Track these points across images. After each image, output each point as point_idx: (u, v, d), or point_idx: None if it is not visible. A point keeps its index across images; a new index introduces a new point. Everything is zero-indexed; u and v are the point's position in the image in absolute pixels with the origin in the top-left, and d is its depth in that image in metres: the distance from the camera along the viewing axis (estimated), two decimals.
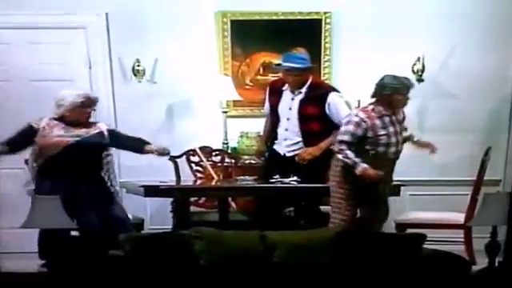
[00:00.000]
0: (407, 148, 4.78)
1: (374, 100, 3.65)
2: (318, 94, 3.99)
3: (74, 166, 3.59)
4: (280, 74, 4.27)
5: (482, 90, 4.76)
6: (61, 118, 3.65)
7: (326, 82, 4.86)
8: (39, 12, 4.63)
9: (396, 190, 3.83)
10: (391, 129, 3.62)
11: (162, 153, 3.79)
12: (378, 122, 3.57)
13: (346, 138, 3.55)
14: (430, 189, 4.75)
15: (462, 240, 4.05)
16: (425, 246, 3.37)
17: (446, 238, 3.95)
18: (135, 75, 4.78)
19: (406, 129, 3.82)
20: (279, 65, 4.09)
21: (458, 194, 4.45)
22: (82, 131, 3.66)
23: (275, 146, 4.14)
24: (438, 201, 4.59)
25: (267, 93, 4.25)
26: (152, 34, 4.77)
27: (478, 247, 3.69)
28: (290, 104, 4.05)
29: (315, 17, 4.83)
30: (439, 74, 4.80)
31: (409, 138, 3.88)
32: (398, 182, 3.90)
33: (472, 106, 4.80)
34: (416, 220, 4.17)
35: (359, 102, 4.65)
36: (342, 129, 3.58)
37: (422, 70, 4.69)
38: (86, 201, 3.57)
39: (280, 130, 4.10)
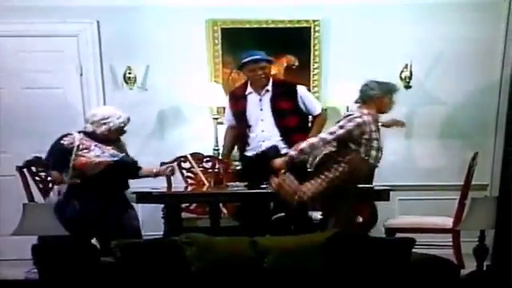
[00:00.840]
0: (396, 153, 4.87)
1: (360, 104, 3.67)
2: (286, 90, 4.08)
3: (110, 184, 3.66)
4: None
5: (469, 96, 4.82)
6: (92, 134, 3.67)
7: (315, 88, 4.92)
8: (31, 20, 4.65)
9: (384, 195, 3.86)
10: (378, 134, 3.67)
11: (163, 173, 3.91)
12: (373, 126, 3.62)
13: (341, 132, 3.52)
14: (418, 193, 4.81)
15: (451, 244, 4.09)
16: (414, 250, 3.41)
17: (434, 242, 3.99)
18: (126, 82, 4.80)
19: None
20: (243, 64, 4.11)
21: (446, 199, 4.51)
22: (116, 149, 3.74)
23: (249, 153, 4.15)
24: (426, 205, 4.64)
25: (227, 102, 4.29)
26: (143, 42, 4.81)
27: (467, 251, 3.73)
28: (259, 105, 4.09)
29: (304, 25, 4.89)
30: (426, 81, 4.86)
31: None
32: (387, 187, 3.94)
33: (459, 112, 4.87)
34: (405, 224, 4.21)
35: (348, 108, 4.70)
36: (341, 123, 3.54)
37: (410, 77, 4.76)
38: (115, 218, 3.65)
39: (254, 135, 4.11)
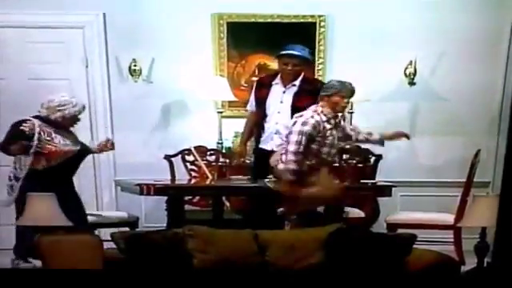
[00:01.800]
0: (399, 149, 4.88)
1: (319, 102, 3.68)
2: (312, 88, 4.01)
3: (72, 170, 3.75)
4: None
5: (472, 93, 4.83)
6: (48, 120, 3.69)
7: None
8: (37, 11, 4.67)
9: (387, 191, 3.87)
10: (334, 131, 3.67)
11: (106, 148, 3.93)
12: (326, 125, 3.63)
13: (302, 138, 3.53)
14: (420, 190, 4.82)
15: (452, 241, 4.10)
16: (415, 246, 3.43)
17: (435, 238, 4.01)
18: (132, 75, 4.82)
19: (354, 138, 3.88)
20: (280, 55, 4.06)
21: (448, 196, 4.52)
22: (71, 136, 3.78)
23: (262, 145, 4.13)
24: (428, 202, 4.65)
25: (254, 88, 4.24)
26: (149, 35, 4.82)
27: (468, 248, 3.74)
28: (281, 97, 4.05)
29: (310, 20, 4.89)
30: (430, 78, 4.87)
31: (382, 140, 3.90)
32: (390, 183, 3.96)
33: (462, 109, 4.87)
34: (407, 220, 4.21)
35: (352, 103, 4.71)
36: (298, 128, 3.54)
37: (414, 74, 4.76)
38: (71, 201, 3.67)
39: (268, 125, 4.08)
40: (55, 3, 4.69)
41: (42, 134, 3.63)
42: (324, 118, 3.62)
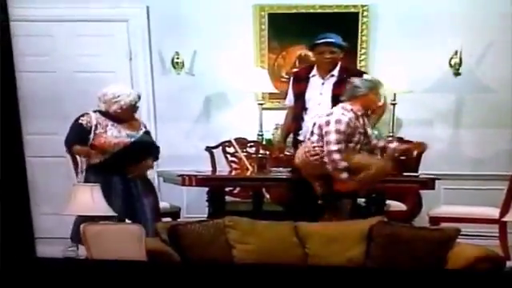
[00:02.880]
0: (443, 141, 4.79)
1: (345, 101, 3.64)
2: (352, 76, 3.95)
3: (130, 163, 3.73)
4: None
5: None
6: (106, 113, 3.75)
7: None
8: (83, 5, 4.77)
9: (430, 184, 3.81)
10: (362, 130, 3.63)
11: None
12: (357, 123, 3.60)
13: (341, 137, 3.53)
14: (464, 183, 4.72)
15: (497, 235, 4.01)
16: (458, 240, 3.37)
17: (480, 232, 3.93)
18: (174, 67, 4.88)
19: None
20: (315, 45, 3.99)
21: (493, 189, 4.39)
22: (131, 128, 3.79)
23: (301, 138, 4.05)
24: (472, 195, 4.55)
25: (291, 83, 4.18)
26: (191, 27, 4.86)
27: None
28: (320, 89, 3.98)
29: (352, 10, 4.84)
30: (476, 68, 4.74)
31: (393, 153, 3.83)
32: (433, 176, 3.89)
33: (509, 100, 4.72)
34: (450, 214, 4.14)
35: (395, 95, 4.65)
36: (334, 127, 3.52)
37: (460, 64, 4.65)
38: (137, 197, 3.73)
39: (308, 118, 4.00)
40: None
41: (99, 126, 3.70)
42: (354, 116, 3.60)
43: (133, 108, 3.77)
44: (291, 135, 4.20)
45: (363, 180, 3.57)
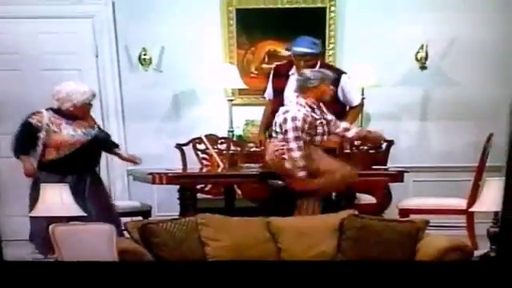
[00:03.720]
0: (411, 135, 4.86)
1: (297, 94, 3.67)
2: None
3: (86, 161, 3.70)
4: (284, 62, 4.29)
5: (484, 77, 4.77)
6: (59, 110, 3.68)
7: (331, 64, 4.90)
8: (47, 2, 4.68)
9: (399, 176, 3.86)
10: (323, 120, 3.66)
11: (132, 160, 3.93)
12: (314, 115, 3.62)
13: (299, 133, 3.55)
14: (433, 175, 4.80)
15: (465, 225, 4.10)
16: (427, 231, 3.43)
17: (448, 223, 4.00)
18: (142, 64, 4.83)
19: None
20: (289, 49, 4.03)
21: (460, 180, 4.49)
22: (88, 127, 3.74)
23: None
24: (440, 187, 4.63)
25: (271, 76, 4.20)
26: (158, 23, 4.81)
27: (482, 232, 3.73)
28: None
29: (320, 5, 4.86)
30: (442, 62, 4.82)
31: (355, 139, 3.91)
32: (402, 169, 3.95)
33: (474, 93, 4.82)
34: (419, 206, 4.20)
35: (363, 89, 4.69)
36: (291, 125, 3.54)
37: (426, 58, 4.72)
38: (90, 194, 3.68)
39: None
40: None
41: (51, 125, 3.63)
42: (310, 110, 3.62)
43: (86, 106, 3.71)
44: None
45: (324, 184, 3.60)
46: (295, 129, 3.55)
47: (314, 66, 3.95)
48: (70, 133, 3.65)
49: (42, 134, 3.61)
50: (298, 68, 4.00)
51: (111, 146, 3.93)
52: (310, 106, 3.63)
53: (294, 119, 3.56)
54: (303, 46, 3.93)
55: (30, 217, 3.51)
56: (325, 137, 3.69)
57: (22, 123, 3.66)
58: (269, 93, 4.22)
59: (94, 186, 3.74)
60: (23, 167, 3.66)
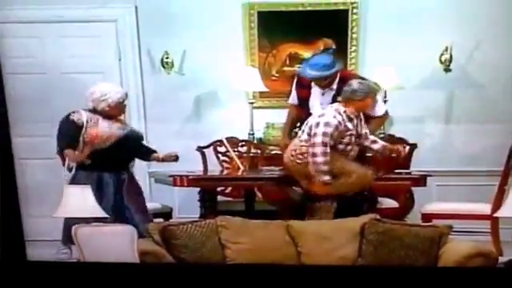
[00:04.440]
0: (435, 138, 4.80)
1: (340, 102, 3.65)
2: None
3: (123, 156, 3.72)
4: None
5: (509, 79, 4.69)
6: (95, 111, 3.72)
7: (353, 72, 4.87)
8: (71, 6, 4.75)
9: (422, 181, 3.81)
10: (354, 131, 3.64)
11: (169, 159, 3.87)
12: (348, 124, 3.61)
13: (327, 139, 3.54)
14: (457, 179, 4.73)
15: (489, 231, 4.02)
16: (451, 236, 3.38)
17: (472, 228, 3.94)
18: (164, 67, 4.86)
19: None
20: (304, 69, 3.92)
21: (485, 185, 4.40)
22: (121, 123, 3.77)
23: None
24: (465, 191, 4.55)
25: (295, 83, 4.15)
26: (180, 27, 4.85)
27: (506, 238, 3.67)
28: (320, 99, 3.95)
29: (342, 7, 4.83)
30: (467, 64, 4.75)
31: (379, 152, 3.85)
32: (425, 173, 3.90)
33: (500, 96, 4.74)
34: (442, 211, 4.14)
35: (385, 92, 4.65)
36: (322, 130, 3.53)
37: (450, 60, 4.66)
38: (128, 191, 3.71)
39: None
40: None
41: (90, 121, 3.66)
42: (346, 118, 3.60)
43: (121, 105, 3.75)
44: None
45: (340, 186, 3.58)
46: (325, 134, 3.53)
47: (332, 82, 3.89)
48: (106, 126, 3.67)
49: (82, 131, 3.64)
50: (317, 84, 3.95)
51: (148, 152, 3.90)
52: (348, 116, 3.61)
53: (326, 124, 3.55)
54: (315, 70, 3.83)
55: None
56: (349, 147, 3.66)
57: (62, 121, 3.69)
58: (293, 98, 4.16)
59: (131, 184, 3.76)
60: (69, 158, 3.67)
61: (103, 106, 3.69)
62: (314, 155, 3.55)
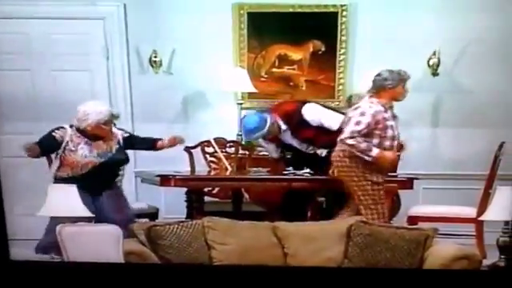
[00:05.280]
0: (422, 141, 4.82)
1: (371, 94, 3.66)
2: (297, 119, 3.95)
3: (98, 181, 3.70)
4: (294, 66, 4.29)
5: (497, 84, 4.71)
6: (79, 130, 3.70)
7: (341, 74, 4.88)
8: (59, 3, 4.70)
9: (408, 184, 3.83)
10: (392, 122, 3.67)
11: (174, 143, 3.86)
12: (385, 114, 3.62)
13: (360, 127, 3.55)
14: (443, 182, 4.75)
15: (474, 234, 4.05)
16: (436, 239, 3.39)
17: (457, 231, 3.96)
18: (152, 66, 4.83)
19: None
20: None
21: (471, 189, 4.44)
22: (104, 146, 3.74)
23: None
24: (450, 195, 4.58)
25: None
26: (169, 26, 4.82)
27: (492, 242, 3.68)
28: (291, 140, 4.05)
29: (331, 10, 4.84)
30: (454, 69, 4.78)
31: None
32: (412, 176, 3.91)
33: (486, 101, 4.78)
34: (428, 213, 4.17)
35: None
36: (356, 119, 3.57)
37: (438, 65, 4.69)
38: (105, 211, 3.68)
39: None
40: None
41: (70, 143, 3.66)
42: (382, 109, 3.61)
43: (102, 127, 3.69)
44: None
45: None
46: (358, 122, 3.55)
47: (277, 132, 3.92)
48: (84, 153, 3.67)
49: (60, 151, 3.65)
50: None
51: (152, 142, 3.90)
52: (383, 106, 3.61)
53: (362, 114, 3.57)
54: (247, 136, 3.96)
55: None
56: (395, 142, 3.67)
57: (46, 135, 3.68)
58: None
59: (110, 202, 3.74)
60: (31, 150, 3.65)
61: (85, 126, 3.67)
62: (342, 141, 3.56)
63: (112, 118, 3.76)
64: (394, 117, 3.71)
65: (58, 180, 3.67)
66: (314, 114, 3.95)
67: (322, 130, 3.92)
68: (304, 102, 4.03)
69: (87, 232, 3.17)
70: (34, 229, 3.86)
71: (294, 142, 4.02)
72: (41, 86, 4.81)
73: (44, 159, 3.81)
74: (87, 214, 3.32)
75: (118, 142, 3.82)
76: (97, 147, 3.71)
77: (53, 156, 3.73)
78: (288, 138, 4.02)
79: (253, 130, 3.91)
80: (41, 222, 3.58)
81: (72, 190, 3.30)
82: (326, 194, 4.05)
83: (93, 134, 3.69)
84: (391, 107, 3.70)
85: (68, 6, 4.71)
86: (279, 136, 3.99)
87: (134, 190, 4.78)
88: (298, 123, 3.93)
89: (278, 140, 4.04)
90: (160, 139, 3.91)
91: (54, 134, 3.66)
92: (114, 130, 3.82)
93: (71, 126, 3.70)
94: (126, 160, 3.92)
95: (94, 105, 3.74)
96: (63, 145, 3.64)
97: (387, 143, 3.64)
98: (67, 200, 3.26)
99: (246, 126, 3.97)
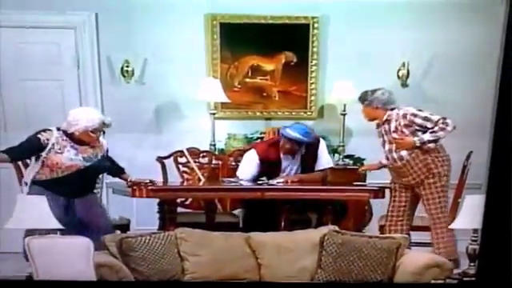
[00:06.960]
0: None
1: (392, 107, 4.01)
2: (314, 148, 4.06)
3: (79, 185, 3.66)
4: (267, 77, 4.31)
5: (465, 95, 4.82)
6: (66, 134, 3.65)
7: (313, 85, 4.93)
8: (29, 12, 4.64)
9: (380, 193, 3.88)
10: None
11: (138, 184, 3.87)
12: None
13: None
14: None
15: None
16: (408, 247, 3.43)
17: (428, 240, 4.01)
18: (124, 76, 4.80)
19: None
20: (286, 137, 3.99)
21: None
22: (91, 151, 3.70)
23: None
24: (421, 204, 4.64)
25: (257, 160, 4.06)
26: (141, 36, 4.79)
27: (462, 249, 3.74)
28: (289, 164, 4.07)
29: (303, 21, 4.89)
30: (423, 80, 4.88)
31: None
32: (383, 185, 3.96)
33: (455, 112, 4.84)
34: None
35: (345, 105, 4.72)
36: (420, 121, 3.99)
37: (407, 76, 4.78)
38: (81, 215, 3.65)
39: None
40: (47, 3, 4.65)
41: (56, 145, 3.60)
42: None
43: (90, 134, 3.65)
44: None
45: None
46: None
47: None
48: (69, 156, 3.61)
49: (44, 153, 3.58)
50: (284, 151, 4.01)
51: (117, 172, 3.94)
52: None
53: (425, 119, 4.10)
54: (297, 132, 3.93)
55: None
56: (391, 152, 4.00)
57: (31, 136, 3.62)
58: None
59: (86, 208, 3.69)
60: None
61: (73, 131, 3.63)
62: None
63: (103, 127, 3.72)
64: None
65: (38, 182, 3.60)
66: (323, 147, 4.16)
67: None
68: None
69: (57, 244, 3.11)
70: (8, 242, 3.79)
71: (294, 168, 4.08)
72: (10, 95, 4.73)
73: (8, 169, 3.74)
74: (57, 226, 3.25)
75: (106, 151, 3.81)
76: (83, 152, 3.66)
77: (31, 160, 3.66)
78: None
79: (309, 132, 3.99)
80: (12, 234, 3.50)
81: (42, 201, 3.23)
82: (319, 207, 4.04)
83: (79, 139, 3.65)
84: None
85: (38, 15, 4.66)
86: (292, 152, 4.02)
87: (105, 202, 4.72)
88: (312, 149, 4.08)
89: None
90: (124, 172, 3.95)
91: (39, 135, 3.60)
92: (101, 139, 3.79)
93: (58, 129, 3.65)
94: (112, 168, 3.90)
95: (86, 111, 3.73)
96: (48, 147, 3.58)
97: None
98: (37, 211, 3.19)
99: (298, 129, 3.97)
